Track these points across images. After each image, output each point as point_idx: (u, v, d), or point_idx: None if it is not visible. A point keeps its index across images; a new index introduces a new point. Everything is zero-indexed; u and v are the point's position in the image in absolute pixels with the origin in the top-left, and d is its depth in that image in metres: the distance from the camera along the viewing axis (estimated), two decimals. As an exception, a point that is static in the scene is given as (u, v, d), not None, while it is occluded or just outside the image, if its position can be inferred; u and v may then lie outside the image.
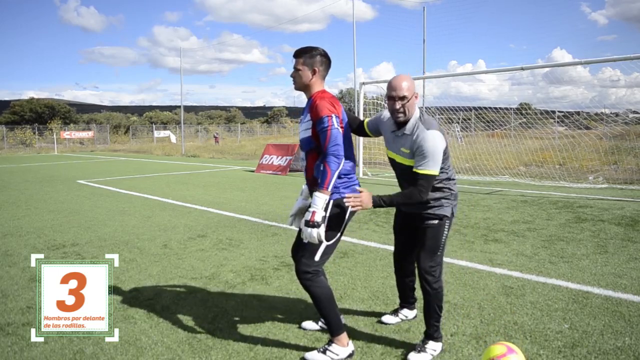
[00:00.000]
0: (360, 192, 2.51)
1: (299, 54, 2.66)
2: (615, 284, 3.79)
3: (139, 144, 39.31)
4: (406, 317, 3.14)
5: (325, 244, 2.56)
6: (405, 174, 2.67)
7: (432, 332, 2.70)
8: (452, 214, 2.74)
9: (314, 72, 2.64)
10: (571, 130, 12.14)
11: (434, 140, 2.49)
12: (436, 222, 2.68)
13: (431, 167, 2.50)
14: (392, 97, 2.53)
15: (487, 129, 14.34)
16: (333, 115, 2.50)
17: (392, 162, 2.77)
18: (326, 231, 2.55)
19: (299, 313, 3.29)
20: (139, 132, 46.67)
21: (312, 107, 2.57)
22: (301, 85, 2.68)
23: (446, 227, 2.71)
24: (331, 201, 2.56)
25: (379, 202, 2.50)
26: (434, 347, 2.68)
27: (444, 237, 2.71)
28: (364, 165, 13.39)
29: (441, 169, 2.60)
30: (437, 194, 2.67)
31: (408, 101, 2.53)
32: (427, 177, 2.50)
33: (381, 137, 2.91)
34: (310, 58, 2.64)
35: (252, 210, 7.41)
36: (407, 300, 3.14)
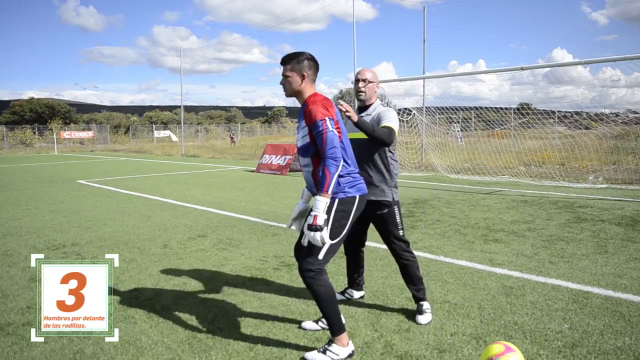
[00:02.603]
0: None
1: (286, 60, 2.67)
2: (615, 284, 3.79)
3: (139, 144, 39.33)
4: (351, 296, 3.53)
5: (329, 242, 2.57)
6: (364, 149, 3.08)
7: (422, 295, 3.20)
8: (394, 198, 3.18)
9: (303, 77, 2.65)
10: (571, 130, 12.15)
11: (394, 112, 3.12)
12: (386, 210, 3.14)
13: (393, 123, 3.03)
14: (357, 79, 3.17)
15: (487, 128, 14.34)
16: (327, 118, 2.50)
17: (353, 142, 3.03)
18: (331, 230, 2.56)
19: (299, 313, 3.29)
20: (139, 132, 46.69)
21: (305, 113, 2.59)
22: (292, 91, 2.69)
23: (396, 209, 3.17)
24: (336, 200, 2.57)
25: (359, 120, 2.91)
26: (427, 306, 3.20)
27: (398, 217, 3.18)
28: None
29: (392, 153, 3.17)
30: (380, 176, 3.13)
31: (369, 84, 3.15)
32: (390, 128, 3.02)
33: None
34: (297, 63, 2.65)
35: (252, 210, 7.41)
36: (353, 284, 3.55)
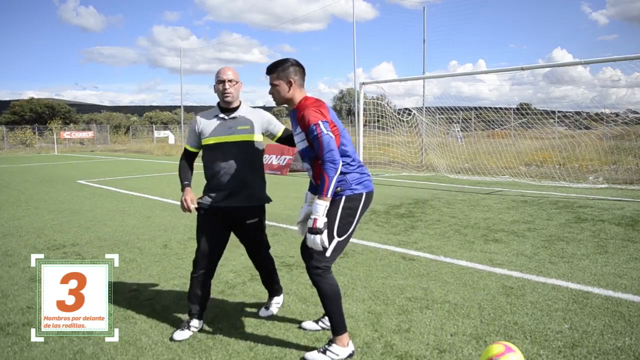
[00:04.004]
0: None
1: (271, 70, 2.68)
2: (615, 284, 3.79)
3: (139, 144, 39.30)
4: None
5: (336, 239, 2.58)
6: (243, 149, 2.99)
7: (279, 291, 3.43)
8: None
9: (290, 84, 2.66)
10: (571, 130, 12.15)
11: None
12: (258, 218, 3.18)
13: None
14: (222, 80, 2.94)
15: (487, 128, 14.35)
16: (320, 121, 2.50)
17: (222, 146, 2.96)
18: (337, 227, 2.57)
19: (299, 313, 3.29)
20: (139, 132, 46.65)
21: (299, 118, 2.60)
22: (281, 99, 2.71)
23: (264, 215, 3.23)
24: (343, 197, 2.57)
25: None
26: (279, 300, 3.40)
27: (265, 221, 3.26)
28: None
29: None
30: (260, 179, 3.15)
31: (235, 84, 2.98)
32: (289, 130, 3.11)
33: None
34: (283, 71, 2.66)
35: (252, 210, 7.40)
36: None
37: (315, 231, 2.44)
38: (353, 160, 2.64)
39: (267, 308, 3.32)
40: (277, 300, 3.37)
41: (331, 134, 2.50)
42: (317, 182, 2.67)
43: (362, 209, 2.65)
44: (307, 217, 2.86)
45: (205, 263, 3.04)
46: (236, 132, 2.97)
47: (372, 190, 2.72)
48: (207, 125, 3.01)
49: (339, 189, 2.58)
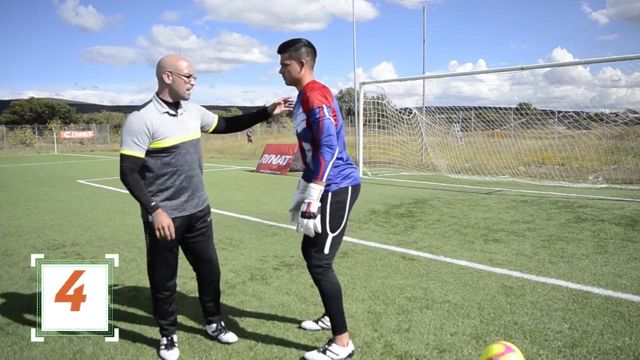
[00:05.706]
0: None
1: (284, 48, 2.66)
2: (615, 284, 3.79)
3: (139, 143, 39.24)
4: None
5: (330, 235, 2.58)
6: (196, 147, 2.72)
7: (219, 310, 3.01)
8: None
9: (301, 65, 2.64)
10: (571, 131, 12.15)
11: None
12: (210, 217, 2.89)
13: None
14: (190, 75, 2.59)
15: (487, 128, 14.35)
16: (324, 105, 2.50)
17: (183, 146, 2.62)
18: (330, 223, 2.57)
19: (299, 313, 3.29)
20: (139, 132, 46.61)
21: (303, 100, 2.59)
22: (291, 79, 2.69)
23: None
24: (329, 193, 2.56)
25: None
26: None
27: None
28: (364, 165, 13.38)
29: None
30: (201, 178, 2.82)
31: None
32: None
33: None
34: (295, 51, 2.64)
35: (252, 210, 7.41)
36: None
37: (308, 215, 2.43)
38: (341, 154, 2.63)
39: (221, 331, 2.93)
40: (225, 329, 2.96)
41: (332, 120, 2.51)
42: (314, 162, 2.66)
43: (350, 202, 2.64)
44: (298, 204, 2.85)
45: (174, 282, 2.82)
46: (190, 130, 2.68)
47: (359, 183, 2.71)
48: (160, 123, 2.53)
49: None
